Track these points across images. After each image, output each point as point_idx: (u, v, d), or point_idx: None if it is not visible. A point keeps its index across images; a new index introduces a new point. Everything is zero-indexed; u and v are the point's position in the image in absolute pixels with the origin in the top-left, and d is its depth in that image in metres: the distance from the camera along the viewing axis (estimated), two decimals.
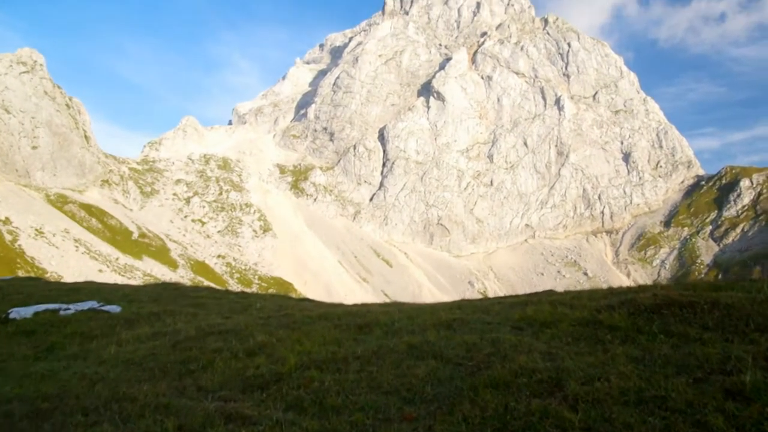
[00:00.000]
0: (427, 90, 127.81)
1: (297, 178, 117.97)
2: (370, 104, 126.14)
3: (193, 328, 11.11)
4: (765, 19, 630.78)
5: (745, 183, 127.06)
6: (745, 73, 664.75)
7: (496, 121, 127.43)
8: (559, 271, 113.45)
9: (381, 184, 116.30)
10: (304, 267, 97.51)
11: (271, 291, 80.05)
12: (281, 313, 13.40)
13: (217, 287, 49.45)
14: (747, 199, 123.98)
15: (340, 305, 16.91)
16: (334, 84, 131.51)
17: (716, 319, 7.18)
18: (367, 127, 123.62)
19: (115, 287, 25.15)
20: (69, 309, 14.53)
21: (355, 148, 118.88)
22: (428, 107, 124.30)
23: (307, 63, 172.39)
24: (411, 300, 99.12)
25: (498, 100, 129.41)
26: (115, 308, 15.24)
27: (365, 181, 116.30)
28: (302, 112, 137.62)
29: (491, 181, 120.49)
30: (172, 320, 13.13)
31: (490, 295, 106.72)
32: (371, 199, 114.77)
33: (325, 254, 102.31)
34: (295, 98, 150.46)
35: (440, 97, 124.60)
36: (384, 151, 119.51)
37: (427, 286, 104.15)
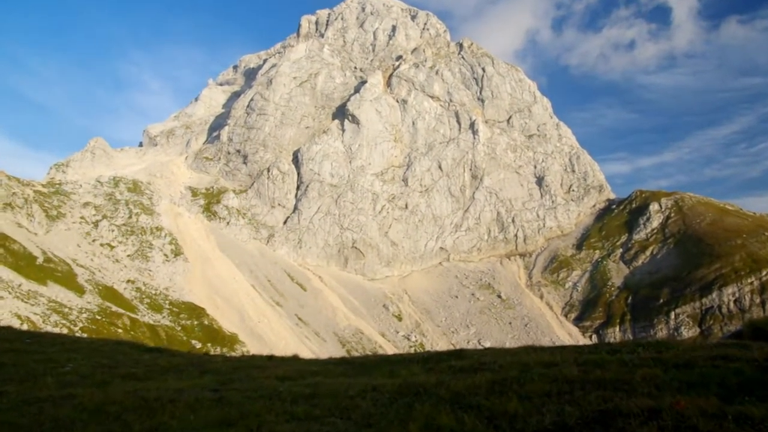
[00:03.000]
0: (341, 113, 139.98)
1: (209, 201, 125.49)
2: (285, 127, 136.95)
3: None
4: (673, 48, 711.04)
5: (654, 207, 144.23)
6: (654, 100, 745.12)
7: (411, 145, 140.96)
8: (473, 294, 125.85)
9: (295, 208, 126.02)
10: (217, 291, 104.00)
11: (182, 316, 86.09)
12: (65, 392, 11.56)
13: (51, 331, 49.51)
14: (656, 222, 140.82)
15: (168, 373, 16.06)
16: (247, 106, 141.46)
17: None
18: (281, 150, 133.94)
19: None
20: None
21: (268, 171, 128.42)
22: (343, 130, 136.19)
23: (221, 84, 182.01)
24: (324, 324, 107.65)
25: (413, 123, 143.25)
26: None
27: (279, 204, 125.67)
28: (215, 134, 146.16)
29: (406, 205, 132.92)
30: None
31: (405, 318, 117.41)
32: (285, 223, 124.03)
33: (237, 278, 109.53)
34: (208, 120, 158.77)
35: (355, 120, 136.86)
36: (298, 174, 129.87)
37: (341, 309, 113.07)
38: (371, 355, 21.15)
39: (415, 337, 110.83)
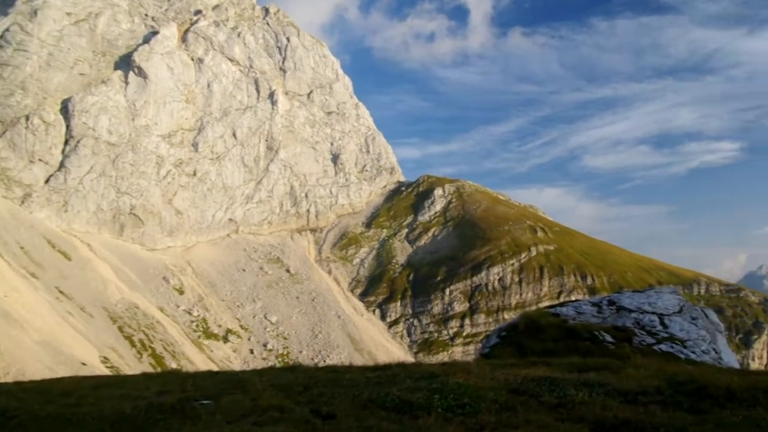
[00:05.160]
0: (126, 63, 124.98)
1: None
2: (52, 70, 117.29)
3: None
4: (467, 48, 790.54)
5: (438, 192, 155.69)
6: (447, 93, 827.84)
7: (205, 108, 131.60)
8: (261, 268, 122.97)
9: (61, 165, 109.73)
10: None
11: None
12: None
13: None
14: (439, 206, 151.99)
15: None
16: (1, 37, 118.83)
17: None
18: (45, 96, 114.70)
19: None
20: None
21: (28, 119, 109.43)
22: (126, 83, 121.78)
23: None
24: (92, 298, 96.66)
25: (208, 85, 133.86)
26: None
27: (40, 160, 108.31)
28: None
29: (194, 171, 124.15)
30: None
31: (187, 292, 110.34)
32: (47, 182, 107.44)
33: None
34: None
35: (142, 73, 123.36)
36: (67, 127, 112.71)
37: (114, 282, 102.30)
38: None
39: (198, 311, 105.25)
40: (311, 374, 12.86)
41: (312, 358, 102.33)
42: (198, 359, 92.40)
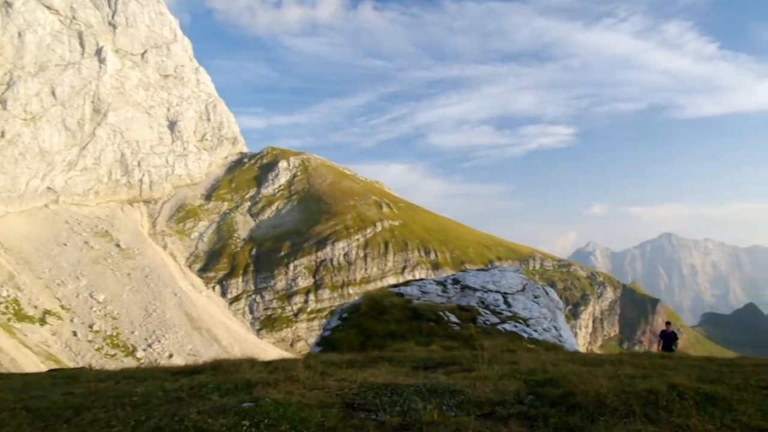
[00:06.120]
0: None
1: None
2: None
3: None
4: (316, 17, 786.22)
5: (283, 164, 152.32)
6: (294, 63, 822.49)
7: (15, 61, 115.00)
8: (86, 242, 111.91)
9: None
10: None
11: None
12: None
13: None
14: (284, 179, 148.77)
15: None
16: None
17: None
18: None
19: None
20: None
21: None
22: None
23: None
24: None
25: (20, 35, 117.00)
26: None
27: None
28: None
29: (2, 132, 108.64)
30: None
31: None
32: None
33: None
34: None
35: None
36: None
37: None
38: None
39: (8, 291, 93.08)
40: (95, 387, 9.54)
41: (145, 339, 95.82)
42: (8, 345, 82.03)
